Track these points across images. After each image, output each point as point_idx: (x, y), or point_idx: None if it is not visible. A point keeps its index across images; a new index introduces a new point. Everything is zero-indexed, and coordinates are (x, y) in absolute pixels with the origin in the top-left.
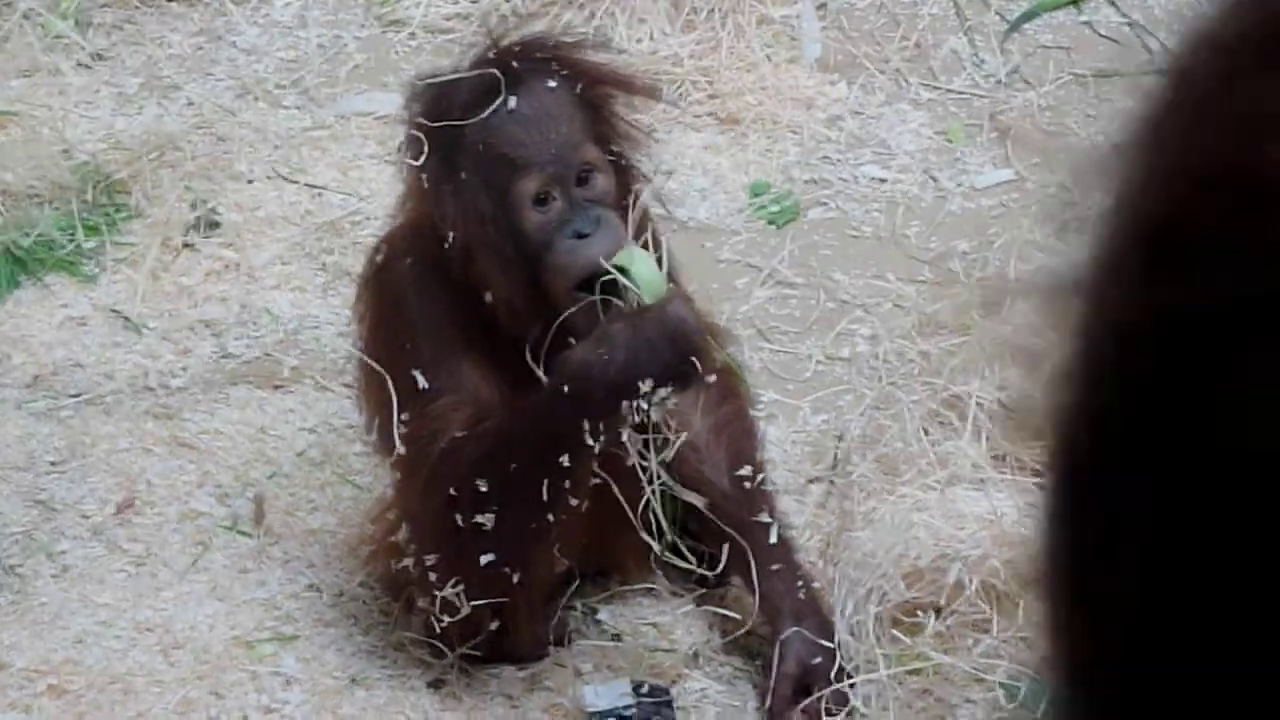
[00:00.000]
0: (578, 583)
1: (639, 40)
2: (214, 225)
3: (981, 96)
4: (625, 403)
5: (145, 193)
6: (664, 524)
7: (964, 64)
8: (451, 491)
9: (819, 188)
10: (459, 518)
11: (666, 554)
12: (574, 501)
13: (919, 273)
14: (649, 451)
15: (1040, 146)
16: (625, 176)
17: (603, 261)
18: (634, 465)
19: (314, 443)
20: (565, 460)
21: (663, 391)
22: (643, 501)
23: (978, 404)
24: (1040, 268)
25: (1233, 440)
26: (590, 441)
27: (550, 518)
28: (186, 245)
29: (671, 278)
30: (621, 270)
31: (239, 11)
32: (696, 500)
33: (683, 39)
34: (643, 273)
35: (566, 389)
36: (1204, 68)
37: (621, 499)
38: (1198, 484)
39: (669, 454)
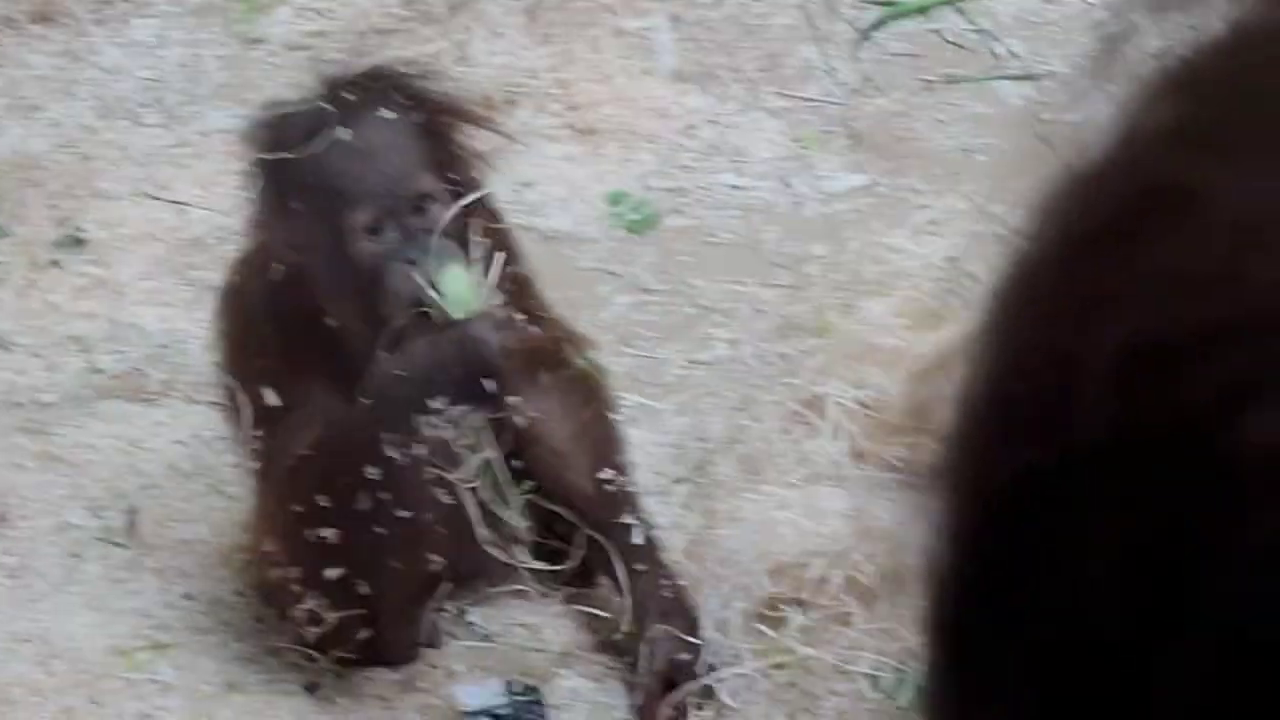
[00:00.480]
0: (448, 586)
1: (495, 54)
2: (80, 243)
3: (834, 104)
4: (420, 417)
5: (11, 212)
6: (487, 533)
7: (816, 72)
8: (298, 507)
9: (676, 196)
10: (307, 532)
11: (517, 559)
12: (406, 514)
13: (776, 277)
14: (456, 468)
15: (892, 152)
16: (465, 203)
17: (417, 278)
18: (467, 478)
19: (184, 455)
20: (377, 475)
21: (457, 410)
22: (483, 510)
23: (836, 403)
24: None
25: (1073, 605)
26: (394, 456)
27: (389, 530)
28: (53, 263)
29: (531, 297)
30: (434, 285)
31: (99, 32)
32: (560, 509)
33: (539, 52)
34: (452, 290)
35: (368, 404)
36: (1043, 247)
37: (475, 509)
38: (1055, 645)
39: (469, 473)
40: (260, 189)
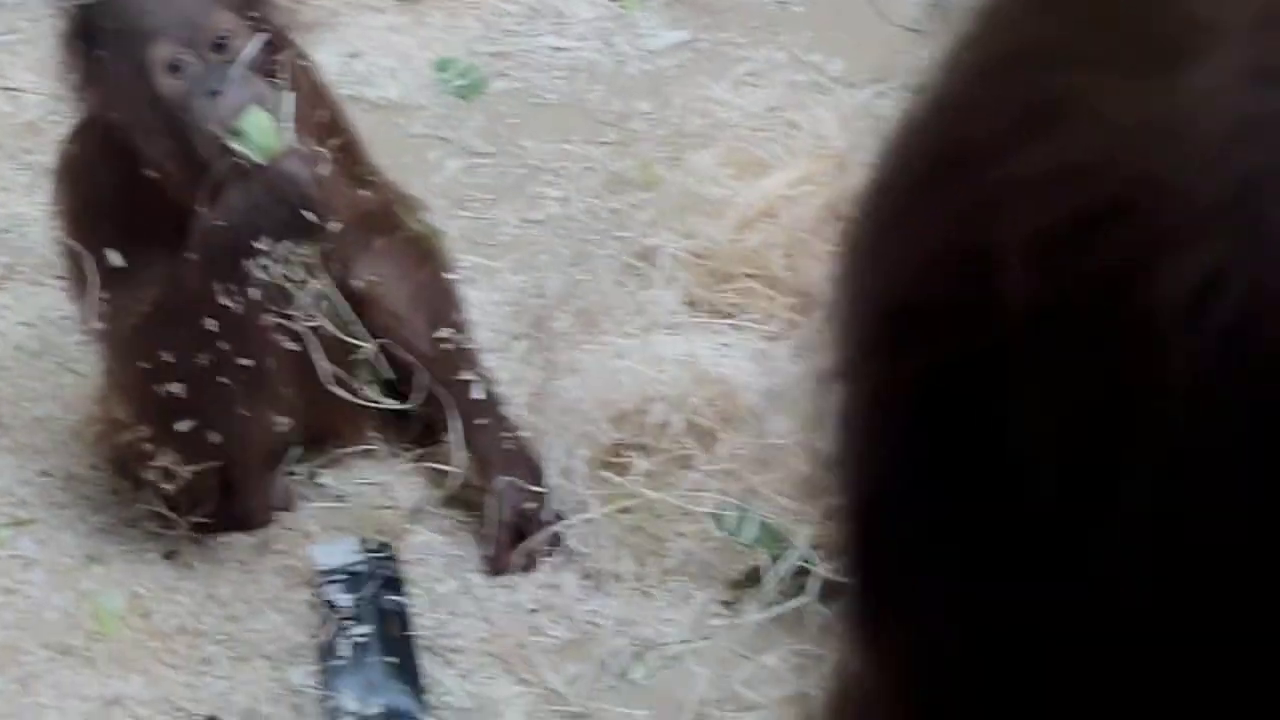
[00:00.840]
0: (299, 449)
1: None
2: None
3: None
4: (247, 262)
5: None
6: (330, 367)
7: None
8: (143, 365)
9: (501, 60)
10: (156, 388)
11: (367, 397)
12: (250, 363)
13: (603, 135)
14: (293, 307)
15: (710, 7)
16: (270, 41)
17: (218, 127)
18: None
19: (32, 336)
20: (215, 326)
21: (283, 247)
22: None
23: (668, 254)
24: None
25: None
26: (228, 304)
27: (234, 379)
28: None
29: (360, 162)
30: (235, 134)
31: None
32: (401, 369)
33: None
34: (254, 134)
35: (194, 255)
36: (917, 163)
37: (327, 365)
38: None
39: (306, 308)
40: (69, 46)
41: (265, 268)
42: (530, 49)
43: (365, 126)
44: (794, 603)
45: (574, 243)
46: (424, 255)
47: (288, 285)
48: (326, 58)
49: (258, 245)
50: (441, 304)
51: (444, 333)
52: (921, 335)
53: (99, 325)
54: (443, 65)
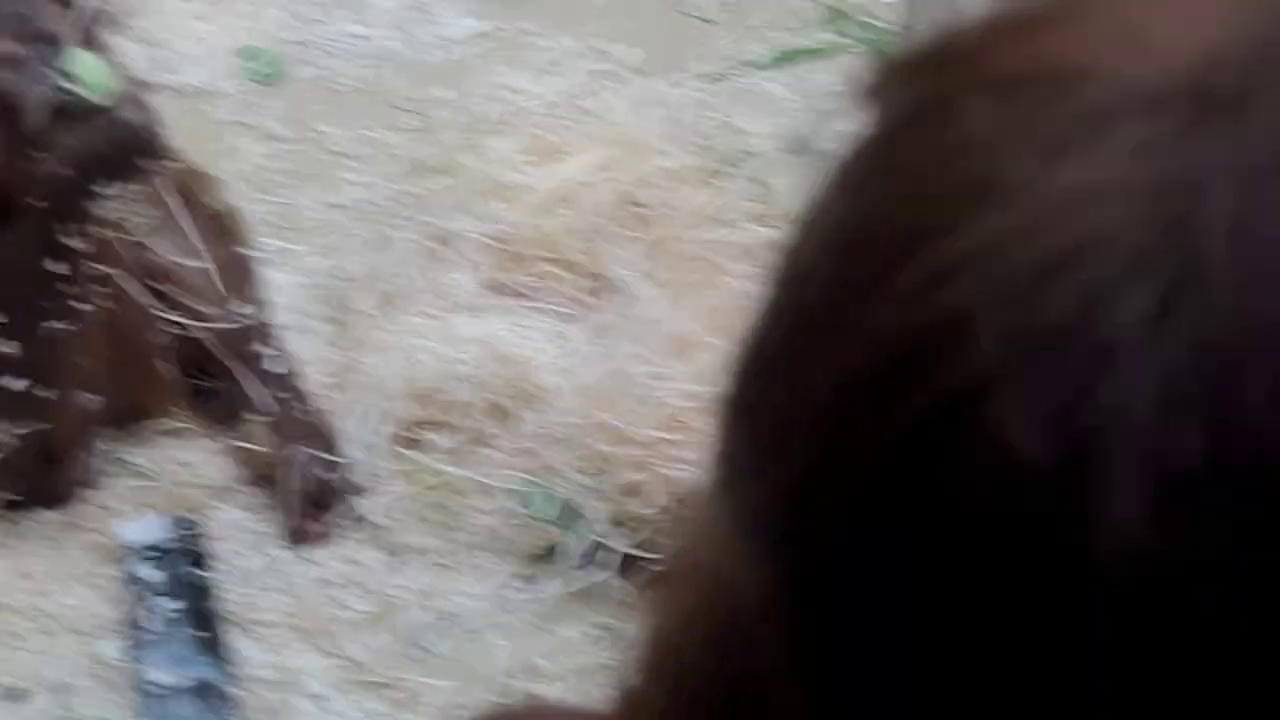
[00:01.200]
0: (106, 428)
1: None
2: None
3: None
4: (88, 203)
5: None
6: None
7: None
8: None
9: (304, 48)
10: None
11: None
12: (79, 317)
13: (404, 121)
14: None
15: None
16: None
17: (51, 75)
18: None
19: None
20: (57, 269)
21: (116, 186)
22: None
23: (468, 237)
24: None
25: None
26: (69, 243)
27: (65, 338)
28: None
29: (161, 144)
30: (68, 76)
31: None
32: (201, 343)
33: None
34: (88, 74)
35: (36, 202)
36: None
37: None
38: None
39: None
40: None
41: (103, 208)
42: (332, 37)
43: (169, 112)
44: (591, 577)
45: (375, 227)
46: (225, 234)
47: (125, 223)
48: (131, 44)
49: (97, 188)
50: (242, 281)
51: (245, 310)
52: (880, 407)
53: None
54: (247, 52)
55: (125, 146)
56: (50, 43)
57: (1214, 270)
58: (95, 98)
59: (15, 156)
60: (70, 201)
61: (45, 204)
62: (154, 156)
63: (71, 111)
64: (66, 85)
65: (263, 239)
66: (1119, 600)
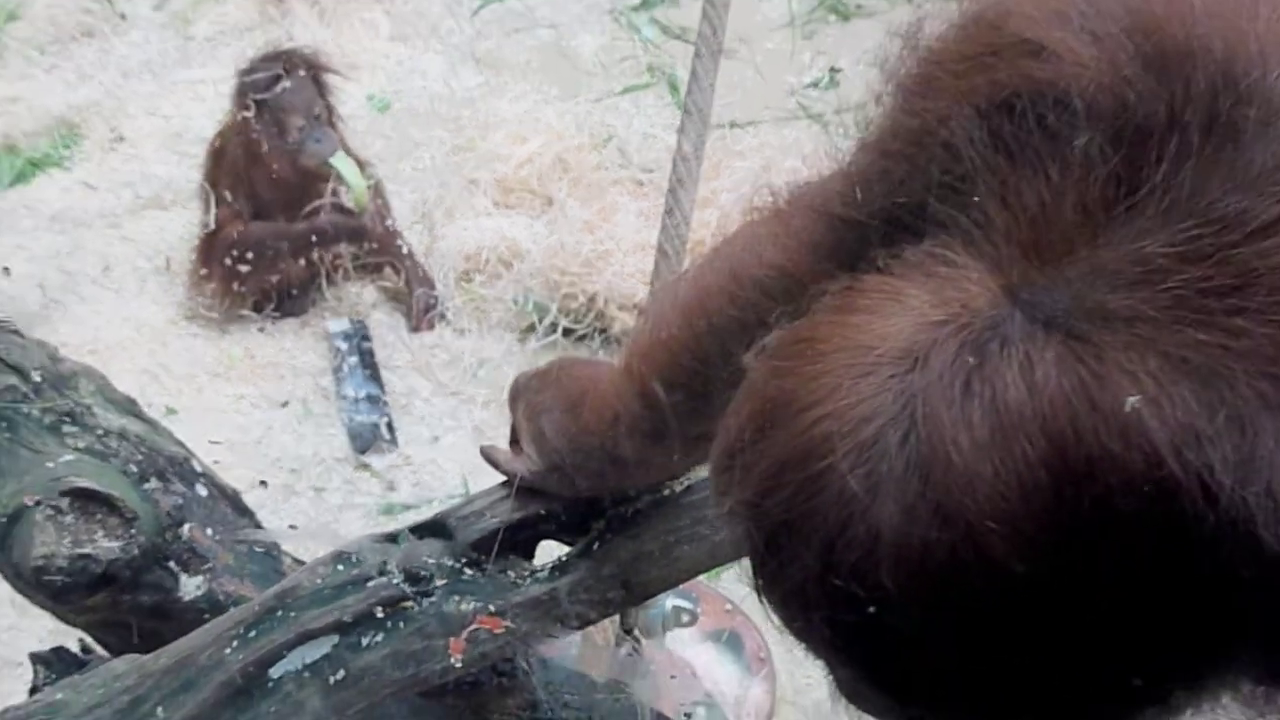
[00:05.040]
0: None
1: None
2: None
3: None
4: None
5: None
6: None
7: None
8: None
9: (399, 95)
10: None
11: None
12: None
13: (441, 127)
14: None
15: None
16: (334, 118)
17: (329, 159)
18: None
19: None
20: (306, 249)
21: (338, 247)
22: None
23: (484, 180)
24: None
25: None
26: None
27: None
28: None
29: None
30: (338, 174)
31: None
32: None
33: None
34: (351, 178)
35: (298, 226)
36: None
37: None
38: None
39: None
40: (248, 104)
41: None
42: (411, 89)
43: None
44: (554, 340)
45: (440, 177)
46: (376, 190)
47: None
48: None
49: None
50: (385, 210)
51: (387, 221)
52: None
53: (209, 228)
54: (372, 98)
55: (356, 237)
56: (318, 120)
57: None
58: (349, 200)
59: (291, 172)
60: (308, 237)
61: (298, 232)
62: (362, 241)
63: (335, 202)
64: (334, 171)
65: (390, 189)
66: None
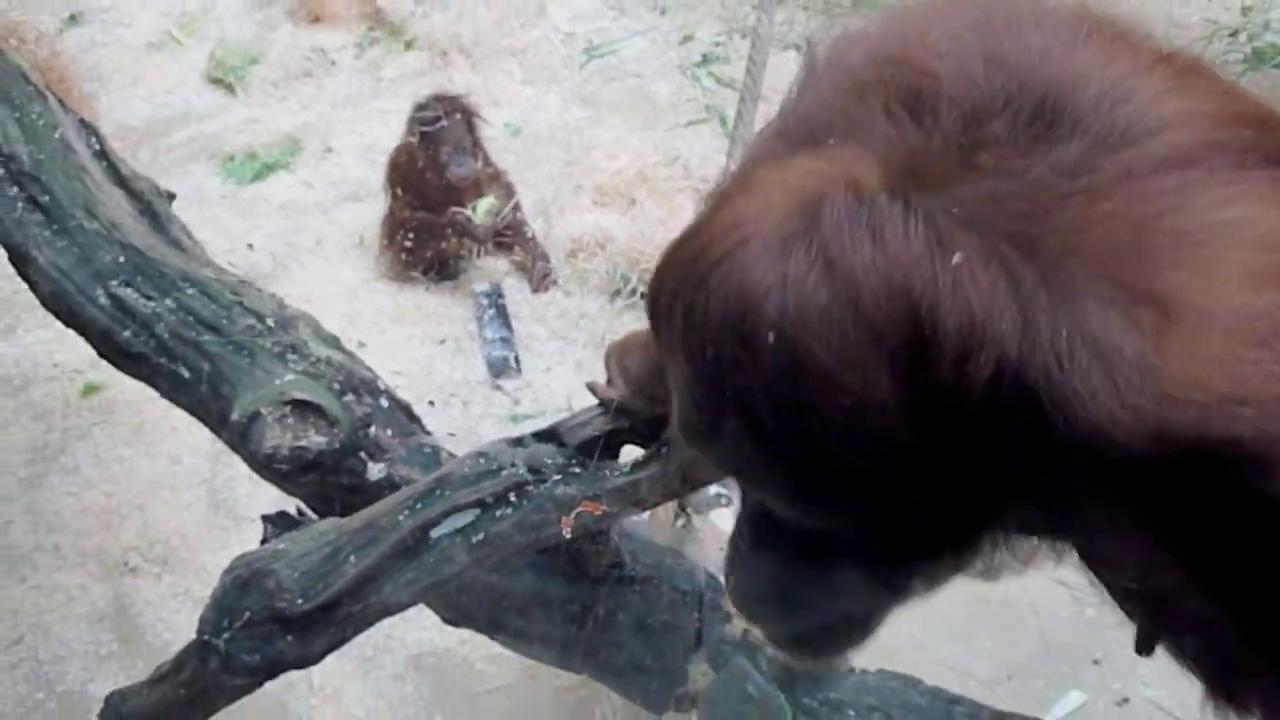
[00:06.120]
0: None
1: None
2: None
3: None
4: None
5: None
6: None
7: None
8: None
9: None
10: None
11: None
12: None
13: (489, 133)
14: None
15: None
16: (477, 147)
17: (476, 198)
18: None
19: None
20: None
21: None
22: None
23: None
24: None
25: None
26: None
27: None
28: None
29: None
30: (472, 207)
31: None
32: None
33: None
34: (481, 210)
35: (443, 215)
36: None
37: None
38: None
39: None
40: (416, 132)
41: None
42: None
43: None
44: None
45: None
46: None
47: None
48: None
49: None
50: (510, 197)
51: (518, 215)
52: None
53: (389, 215)
54: (508, 126)
55: (472, 237)
56: (464, 151)
57: None
58: (480, 233)
59: (438, 176)
60: (430, 229)
61: (431, 222)
62: (479, 241)
63: (465, 211)
64: (469, 206)
65: (520, 190)
66: None
